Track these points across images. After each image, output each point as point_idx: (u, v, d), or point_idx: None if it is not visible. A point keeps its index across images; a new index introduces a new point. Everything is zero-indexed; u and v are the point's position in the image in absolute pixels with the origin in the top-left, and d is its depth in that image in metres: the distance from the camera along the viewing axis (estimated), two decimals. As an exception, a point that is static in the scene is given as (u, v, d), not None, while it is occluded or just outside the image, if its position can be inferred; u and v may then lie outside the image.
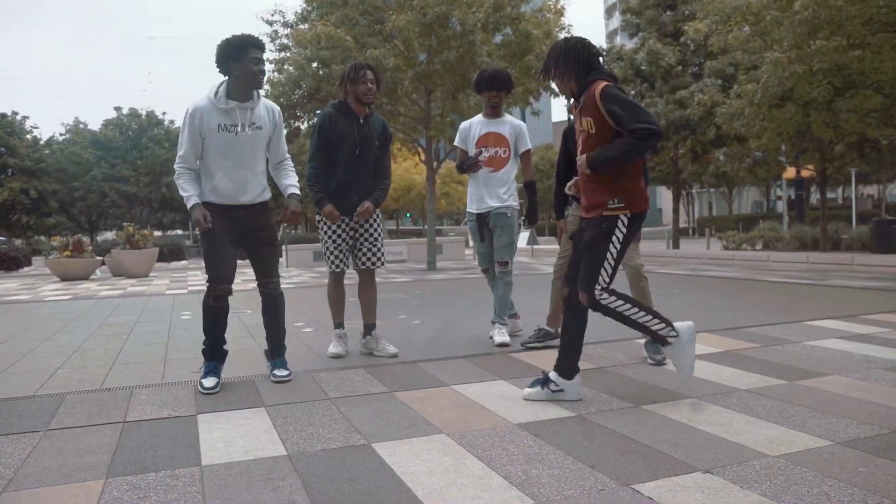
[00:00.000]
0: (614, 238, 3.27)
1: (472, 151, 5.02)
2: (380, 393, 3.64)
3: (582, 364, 4.20)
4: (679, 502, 2.15)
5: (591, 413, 3.18)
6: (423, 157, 15.67)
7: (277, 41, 14.85)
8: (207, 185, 3.79)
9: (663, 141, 16.63)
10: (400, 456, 2.64)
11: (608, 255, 3.27)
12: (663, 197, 58.35)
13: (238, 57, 3.62)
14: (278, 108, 4.01)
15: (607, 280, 3.29)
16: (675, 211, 19.13)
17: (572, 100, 3.52)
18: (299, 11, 14.77)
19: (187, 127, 3.72)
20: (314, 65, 12.92)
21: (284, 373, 3.94)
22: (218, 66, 3.70)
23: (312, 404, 3.44)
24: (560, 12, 14.08)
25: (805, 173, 25.99)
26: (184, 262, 25.40)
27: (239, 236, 3.87)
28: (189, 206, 3.72)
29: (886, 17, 9.94)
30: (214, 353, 3.87)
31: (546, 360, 4.35)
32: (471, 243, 20.60)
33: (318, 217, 4.65)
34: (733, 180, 40.17)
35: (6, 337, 6.08)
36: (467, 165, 5.00)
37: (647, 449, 2.66)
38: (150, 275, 15.01)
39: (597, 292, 3.29)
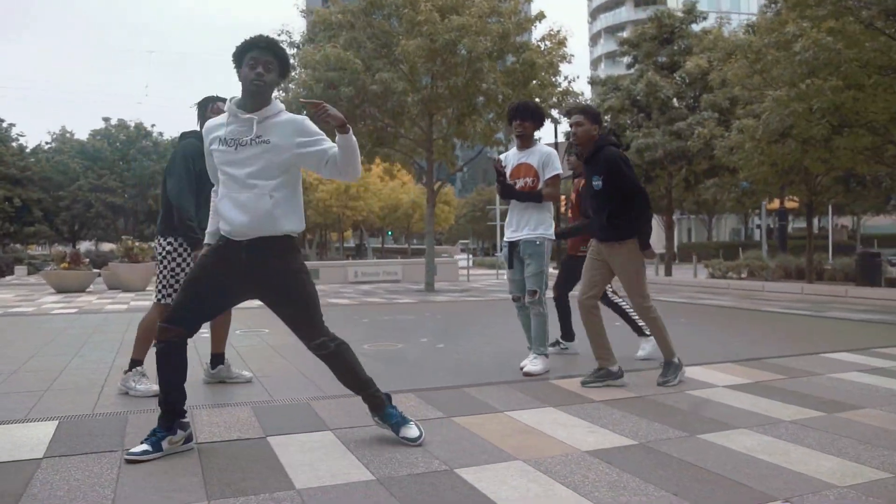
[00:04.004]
0: None
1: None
2: (438, 418, 3.73)
3: (623, 392, 4.36)
4: (773, 531, 2.28)
5: (651, 441, 3.30)
6: (423, 179, 15.86)
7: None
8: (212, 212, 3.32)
9: (659, 170, 17.02)
10: (487, 482, 2.74)
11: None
12: (647, 223, 58.94)
13: (239, 62, 3.13)
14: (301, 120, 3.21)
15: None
16: (669, 238, 19.48)
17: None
18: (305, 32, 14.94)
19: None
20: (321, 85, 13.04)
21: (414, 434, 3.25)
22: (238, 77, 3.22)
23: (376, 428, 3.51)
24: (562, 42, 14.38)
25: (789, 204, 26.68)
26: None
27: (247, 284, 3.16)
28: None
29: (880, 60, 10.34)
30: (165, 412, 3.12)
31: (593, 390, 4.48)
32: (462, 263, 20.83)
33: (183, 248, 4.28)
34: (713, 208, 40.85)
35: (33, 352, 6.08)
36: (494, 168, 5.09)
37: (721, 478, 2.79)
38: (147, 288, 14.94)
39: None
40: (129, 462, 2.94)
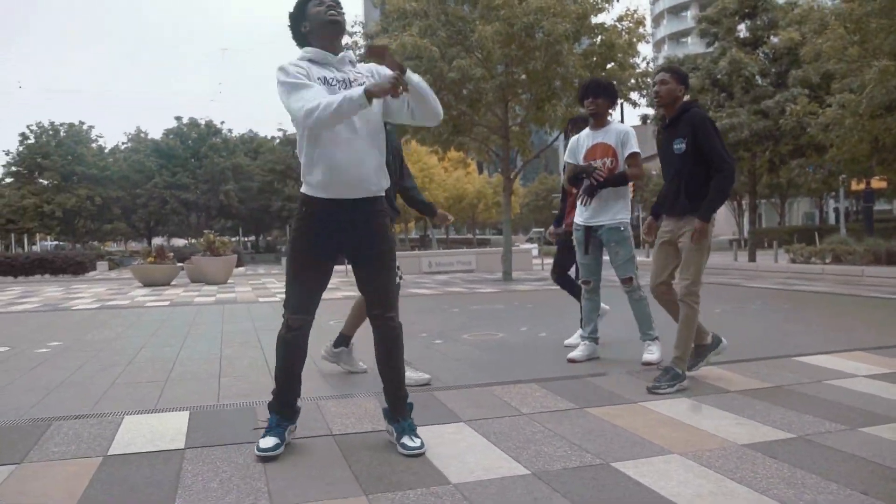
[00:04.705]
0: None
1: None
2: (571, 409, 3.59)
3: (756, 383, 4.12)
4: None
5: (810, 435, 3.07)
6: (490, 169, 15.66)
7: (357, 52, 14.99)
8: (311, 169, 2.90)
9: (742, 151, 16.33)
10: (651, 477, 2.58)
11: None
12: (715, 207, 56.97)
13: (304, 14, 2.94)
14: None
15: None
16: (752, 223, 18.70)
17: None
18: (377, 23, 14.94)
19: (293, 77, 2.78)
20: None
21: (416, 443, 2.93)
22: (296, 41, 3.02)
23: (511, 420, 3.40)
24: (640, 22, 13.94)
25: (876, 184, 25.36)
26: (241, 269, 25.45)
27: (346, 246, 2.99)
28: (360, 94, 2.65)
29: None
30: (288, 402, 3.05)
31: (715, 374, 4.25)
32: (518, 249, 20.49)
33: None
34: (787, 191, 39.20)
35: (141, 343, 6.20)
36: (585, 171, 4.77)
37: (909, 476, 2.55)
38: (228, 281, 15.26)
39: None
40: (263, 459, 2.84)
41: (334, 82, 2.87)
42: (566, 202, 5.62)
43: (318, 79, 2.84)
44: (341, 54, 2.95)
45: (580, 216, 4.95)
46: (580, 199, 4.91)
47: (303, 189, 2.96)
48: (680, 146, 4.06)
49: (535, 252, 20.63)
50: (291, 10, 3.00)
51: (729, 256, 21.02)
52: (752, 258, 17.37)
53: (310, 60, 2.90)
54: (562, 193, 5.81)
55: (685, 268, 4.06)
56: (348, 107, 2.66)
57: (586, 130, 5.00)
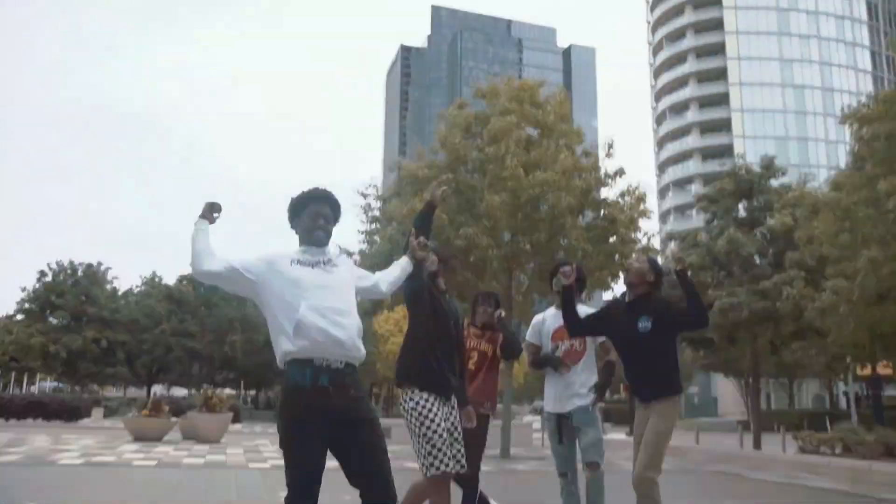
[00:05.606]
0: None
1: (546, 346, 4.74)
2: None
3: None
4: None
5: None
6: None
7: (370, 213, 15.68)
8: (289, 334, 2.89)
9: (743, 332, 16.37)
10: None
11: None
12: (719, 385, 55.26)
13: (299, 212, 3.15)
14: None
15: None
16: (756, 407, 18.24)
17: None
18: (392, 186, 15.74)
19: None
20: (406, 239, 13.50)
21: None
22: (291, 226, 3.23)
23: None
24: (642, 198, 14.53)
25: (883, 371, 24.96)
26: (238, 426, 24.57)
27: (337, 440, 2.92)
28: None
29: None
30: None
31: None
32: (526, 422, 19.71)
33: (411, 402, 3.81)
34: (795, 372, 38.54)
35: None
36: (553, 364, 4.64)
37: None
38: (222, 440, 14.81)
39: None
40: None
41: (314, 265, 3.03)
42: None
43: (295, 260, 3.02)
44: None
45: (550, 405, 4.72)
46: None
47: (283, 361, 2.91)
48: (646, 324, 4.07)
49: (536, 426, 20.10)
50: (293, 199, 3.17)
51: (735, 439, 20.28)
52: (758, 445, 16.82)
53: (299, 262, 3.03)
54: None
55: (643, 449, 3.95)
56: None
57: (551, 310, 4.81)
